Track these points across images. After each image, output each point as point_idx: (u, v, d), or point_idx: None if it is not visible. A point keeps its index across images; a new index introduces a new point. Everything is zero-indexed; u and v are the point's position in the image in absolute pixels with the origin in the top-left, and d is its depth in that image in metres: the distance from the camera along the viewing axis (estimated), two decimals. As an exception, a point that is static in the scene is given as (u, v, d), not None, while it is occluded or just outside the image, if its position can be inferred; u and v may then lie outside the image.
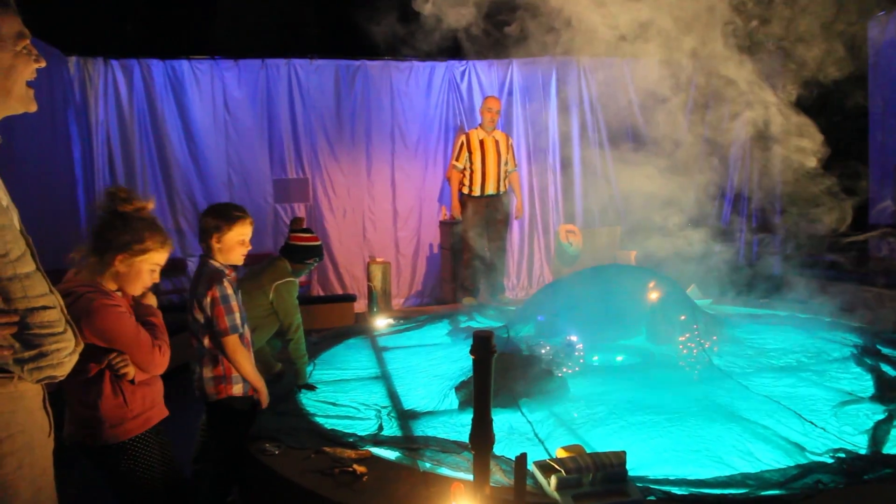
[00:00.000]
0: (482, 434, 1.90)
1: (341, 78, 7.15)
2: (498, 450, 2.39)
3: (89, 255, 2.02)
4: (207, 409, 2.55)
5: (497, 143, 6.20)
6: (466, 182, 6.19)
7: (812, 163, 4.72)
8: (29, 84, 1.49)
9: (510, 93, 7.47)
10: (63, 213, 6.09)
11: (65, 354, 1.47)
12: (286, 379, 3.36)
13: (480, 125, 6.26)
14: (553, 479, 2.05)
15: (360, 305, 6.66)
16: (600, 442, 2.57)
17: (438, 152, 7.43)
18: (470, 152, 6.14)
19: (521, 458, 1.85)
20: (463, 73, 7.42)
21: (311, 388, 3.29)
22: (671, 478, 2.20)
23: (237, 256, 2.53)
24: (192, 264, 6.68)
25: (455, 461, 2.36)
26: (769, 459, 2.39)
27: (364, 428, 2.76)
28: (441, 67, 7.35)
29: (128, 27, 7.07)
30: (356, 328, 4.88)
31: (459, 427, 2.76)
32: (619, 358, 3.75)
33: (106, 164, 6.69)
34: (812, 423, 2.69)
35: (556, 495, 2.03)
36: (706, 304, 4.98)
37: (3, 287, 1.36)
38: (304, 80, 7.05)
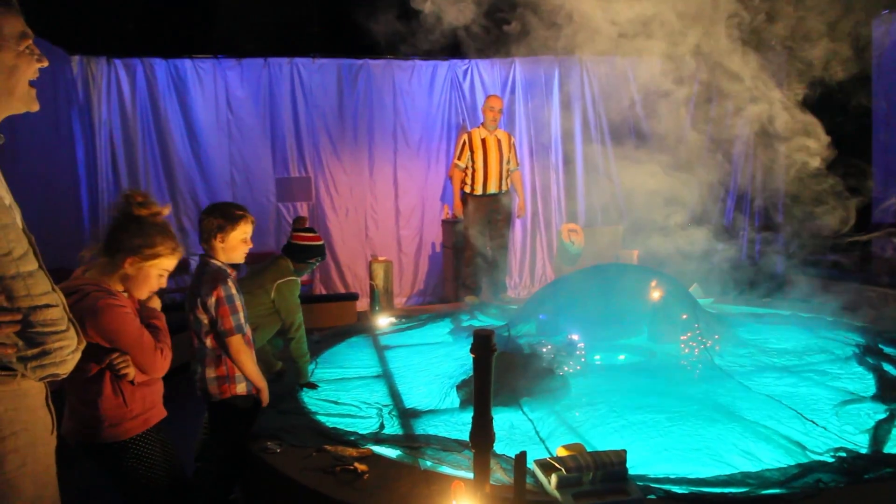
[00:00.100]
0: (482, 433, 1.90)
1: (344, 77, 7.16)
2: (499, 448, 2.39)
3: (100, 255, 2.04)
4: (210, 409, 2.56)
5: (499, 141, 6.20)
6: (468, 181, 6.20)
7: (816, 162, 4.71)
8: (31, 84, 1.50)
9: (512, 91, 7.47)
10: (66, 212, 6.12)
11: (67, 352, 1.48)
12: (288, 378, 3.37)
13: (482, 124, 6.26)
14: (553, 478, 2.05)
15: (362, 304, 6.67)
16: (601, 441, 2.58)
17: (441, 151, 7.43)
18: (472, 151, 6.14)
19: (521, 457, 1.86)
20: (465, 71, 7.42)
21: (313, 386, 3.30)
22: (671, 476, 2.21)
23: (240, 255, 2.55)
24: (196, 263, 6.70)
25: (456, 460, 2.36)
26: (770, 458, 2.39)
27: (365, 426, 2.77)
28: (443, 66, 7.35)
29: (131, 26, 7.09)
30: (358, 327, 4.89)
31: (460, 426, 2.76)
32: (621, 357, 3.75)
33: (109, 163, 6.71)
34: (813, 422, 2.69)
35: (556, 494, 2.03)
36: (708, 303, 4.98)
37: (6, 285, 1.37)
38: (307, 79, 7.06)
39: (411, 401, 3.17)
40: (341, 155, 7.24)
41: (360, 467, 2.27)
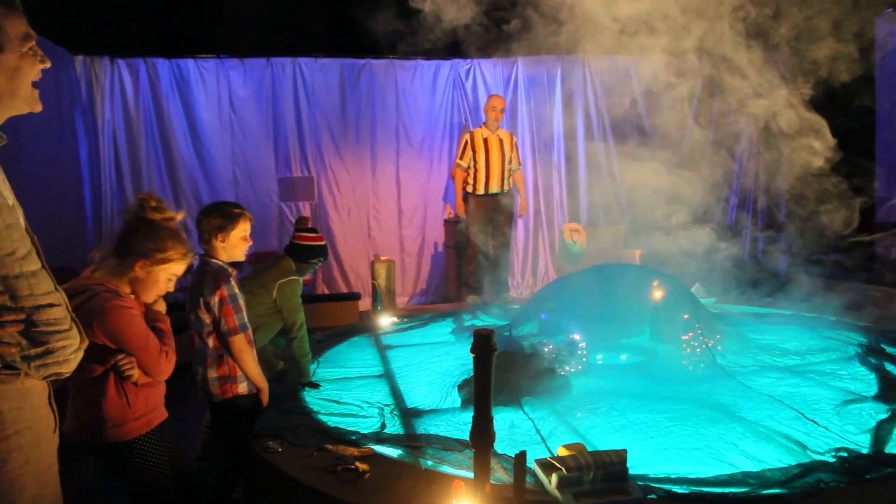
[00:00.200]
0: (482, 432, 1.91)
1: (346, 77, 7.16)
2: (500, 448, 2.40)
3: (110, 256, 2.05)
4: (212, 409, 2.56)
5: (501, 141, 6.20)
6: (470, 180, 6.20)
7: (819, 161, 4.70)
8: (34, 84, 1.51)
9: (515, 91, 7.47)
10: (69, 212, 6.14)
11: (70, 351, 1.49)
12: (290, 377, 3.38)
13: (485, 124, 6.27)
14: (554, 477, 2.05)
15: (364, 304, 6.68)
16: (602, 440, 2.58)
17: (443, 151, 7.44)
18: (474, 151, 6.15)
19: (521, 456, 1.86)
20: (468, 71, 7.42)
21: (315, 386, 3.31)
22: (672, 476, 2.21)
23: (241, 253, 2.56)
24: (196, 263, 6.71)
25: (457, 459, 2.37)
26: (771, 458, 2.39)
27: (367, 426, 2.78)
28: (446, 66, 7.35)
29: (134, 26, 7.10)
30: (360, 326, 4.90)
31: (462, 425, 2.77)
32: (623, 357, 3.75)
33: (112, 162, 6.73)
34: (814, 422, 2.69)
35: (556, 493, 2.04)
36: (710, 302, 4.97)
37: (10, 285, 1.38)
38: (310, 78, 7.07)
39: (413, 400, 3.18)
40: (344, 154, 7.25)
41: (362, 466, 2.28)
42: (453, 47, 6.09)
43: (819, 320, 4.41)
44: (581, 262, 6.28)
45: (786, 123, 5.00)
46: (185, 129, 6.88)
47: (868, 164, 6.70)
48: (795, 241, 6.17)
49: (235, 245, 2.53)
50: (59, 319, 1.45)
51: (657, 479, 2.18)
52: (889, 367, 3.33)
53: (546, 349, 3.49)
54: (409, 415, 2.95)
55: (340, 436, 2.60)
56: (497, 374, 2.90)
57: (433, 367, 3.70)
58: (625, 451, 2.12)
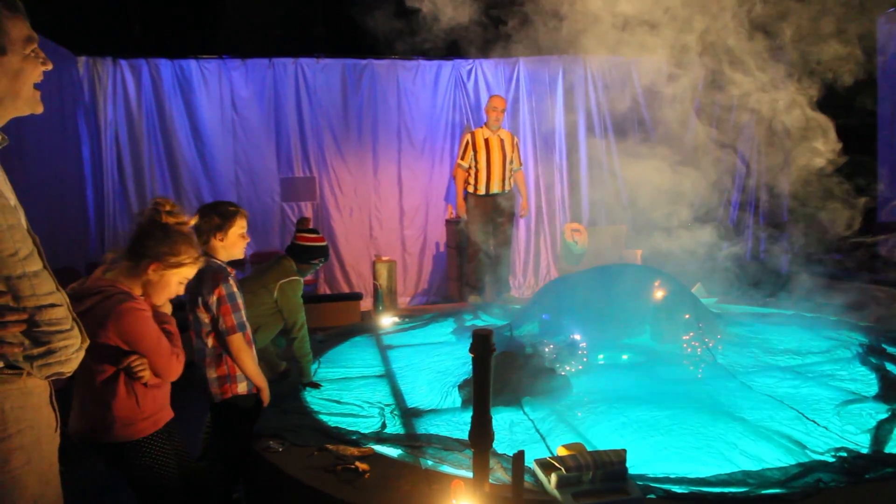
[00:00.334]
0: (481, 432, 1.92)
1: (348, 77, 7.17)
2: (501, 447, 2.41)
3: (123, 258, 2.06)
4: (212, 409, 2.58)
5: (502, 141, 6.21)
6: (471, 181, 6.21)
7: (822, 161, 4.70)
8: (36, 86, 1.53)
9: (517, 91, 7.47)
10: (72, 212, 6.16)
11: (72, 351, 1.50)
12: (292, 377, 3.39)
13: (486, 124, 6.28)
14: (553, 477, 2.06)
15: (366, 304, 6.68)
16: (602, 440, 2.58)
17: (445, 151, 7.44)
18: (475, 151, 6.16)
19: (519, 455, 1.87)
20: (469, 71, 7.43)
21: (316, 385, 3.32)
22: (671, 476, 2.21)
23: (240, 250, 2.59)
24: (200, 262, 6.71)
25: (457, 459, 2.38)
26: (770, 458, 2.39)
27: (367, 426, 2.79)
28: (448, 66, 7.36)
29: (136, 27, 7.13)
30: (362, 326, 4.91)
31: (462, 425, 2.78)
32: (624, 357, 3.76)
33: (115, 163, 6.75)
34: (814, 421, 2.69)
35: (556, 493, 2.04)
36: (711, 302, 4.97)
37: (12, 285, 1.39)
38: (311, 79, 7.08)
39: (413, 400, 3.19)
40: (345, 155, 7.26)
41: (362, 466, 2.29)
42: (455, 47, 6.10)
43: (820, 320, 4.40)
44: (582, 262, 6.28)
45: (789, 122, 4.99)
46: (188, 130, 6.89)
47: (871, 162, 6.70)
48: (797, 241, 6.17)
49: (234, 243, 2.56)
50: (60, 319, 1.46)
51: (656, 479, 2.19)
52: (890, 367, 3.33)
53: (546, 349, 3.50)
54: (409, 415, 2.96)
55: (341, 435, 2.60)
56: (497, 373, 2.91)
57: (434, 367, 3.70)
58: (624, 450, 2.13)
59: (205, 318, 2.45)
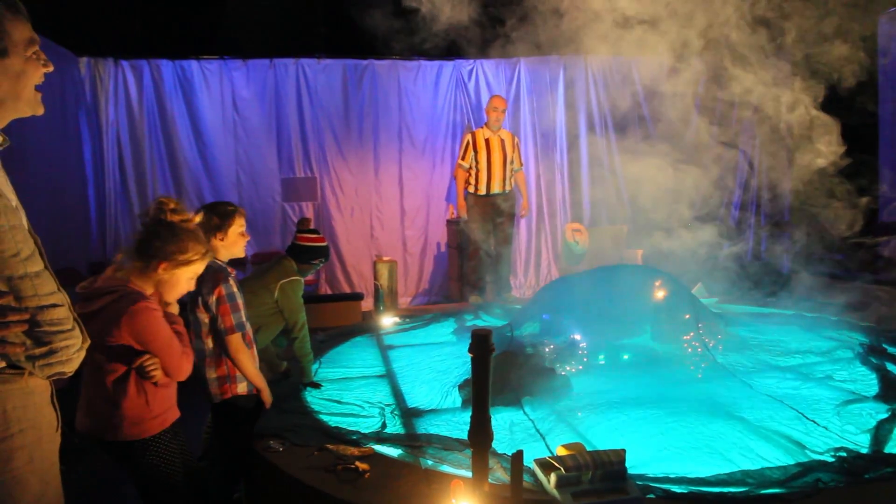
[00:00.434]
0: (480, 431, 1.92)
1: (349, 77, 7.18)
2: (501, 447, 2.42)
3: (133, 259, 2.08)
4: (213, 409, 2.58)
5: (503, 141, 6.22)
6: (472, 181, 6.22)
7: (823, 160, 4.69)
8: (37, 88, 1.54)
9: (517, 91, 7.48)
10: (73, 213, 6.17)
11: (73, 351, 1.51)
12: (292, 377, 3.40)
13: (486, 124, 6.28)
14: (553, 477, 2.06)
15: (367, 304, 6.69)
16: (602, 440, 2.59)
17: (446, 151, 7.45)
18: (475, 151, 6.17)
19: (518, 455, 1.88)
20: (470, 71, 7.43)
21: (317, 385, 3.33)
22: (671, 476, 2.22)
23: (240, 249, 2.61)
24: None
25: (457, 458, 2.38)
26: (770, 458, 2.39)
27: (368, 426, 2.79)
28: (448, 66, 7.36)
29: (138, 28, 7.14)
30: (362, 326, 4.92)
31: (462, 425, 2.78)
32: (625, 357, 3.76)
33: (116, 163, 6.76)
34: (814, 421, 2.69)
35: (555, 493, 2.05)
36: (712, 302, 4.97)
37: (14, 286, 1.40)
38: (312, 79, 7.09)
39: (414, 400, 3.19)
40: (346, 155, 7.27)
41: (362, 466, 2.30)
42: (456, 48, 6.11)
43: (821, 320, 4.40)
44: (583, 262, 6.28)
45: (791, 122, 4.99)
46: (189, 130, 6.90)
47: (872, 162, 6.69)
48: (799, 241, 6.17)
49: (235, 242, 2.57)
50: (62, 319, 1.47)
51: (656, 479, 2.19)
52: (890, 366, 3.33)
53: (547, 349, 3.50)
54: (409, 415, 2.96)
55: (341, 435, 2.61)
56: (498, 373, 2.92)
57: (434, 367, 3.71)
58: (623, 450, 2.13)
59: (204, 318, 2.46)
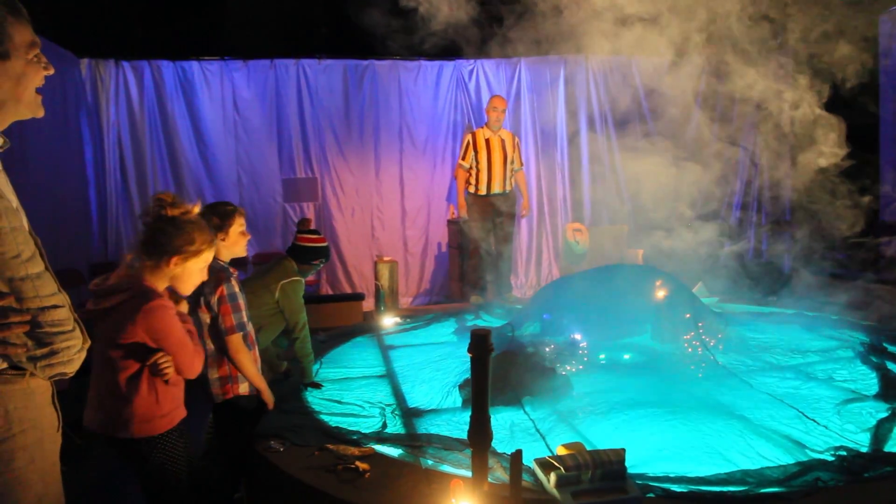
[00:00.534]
0: (480, 431, 1.93)
1: (350, 77, 7.19)
2: (501, 447, 2.42)
3: (143, 259, 2.08)
4: (214, 409, 2.59)
5: (503, 141, 6.22)
6: (472, 181, 6.22)
7: (825, 160, 4.69)
8: (38, 90, 1.54)
9: (518, 91, 7.48)
10: (75, 213, 6.18)
11: (74, 351, 1.51)
12: (293, 377, 3.41)
13: (487, 124, 6.29)
14: (553, 476, 2.07)
15: (368, 304, 6.70)
16: (602, 439, 2.59)
17: (447, 151, 7.45)
18: (476, 151, 6.17)
19: (517, 455, 1.88)
20: (471, 72, 7.44)
21: (317, 386, 3.33)
22: (671, 475, 2.22)
23: (242, 248, 2.62)
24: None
25: (457, 458, 2.39)
26: (770, 457, 2.39)
27: (368, 426, 2.80)
28: (449, 66, 7.37)
29: (138, 29, 7.16)
30: (363, 327, 4.92)
31: (462, 425, 2.78)
32: (626, 356, 3.76)
33: (117, 164, 6.77)
34: (814, 420, 2.70)
35: (555, 492, 2.05)
36: (712, 302, 4.97)
37: (15, 287, 1.41)
38: (313, 79, 7.10)
39: (414, 400, 3.20)
40: (347, 155, 7.28)
41: (362, 466, 2.30)
42: (456, 48, 6.11)
43: (821, 319, 4.40)
44: (583, 262, 6.28)
45: (792, 121, 4.99)
46: (190, 131, 6.92)
47: (874, 160, 6.68)
48: (800, 240, 6.16)
49: (236, 241, 2.59)
50: (63, 320, 1.48)
51: (656, 478, 2.19)
52: (890, 366, 3.33)
53: (548, 349, 3.50)
54: (410, 415, 2.97)
55: (342, 435, 2.62)
56: (499, 373, 2.92)
57: (435, 367, 3.71)
58: (623, 450, 2.13)
59: (206, 318, 2.47)
